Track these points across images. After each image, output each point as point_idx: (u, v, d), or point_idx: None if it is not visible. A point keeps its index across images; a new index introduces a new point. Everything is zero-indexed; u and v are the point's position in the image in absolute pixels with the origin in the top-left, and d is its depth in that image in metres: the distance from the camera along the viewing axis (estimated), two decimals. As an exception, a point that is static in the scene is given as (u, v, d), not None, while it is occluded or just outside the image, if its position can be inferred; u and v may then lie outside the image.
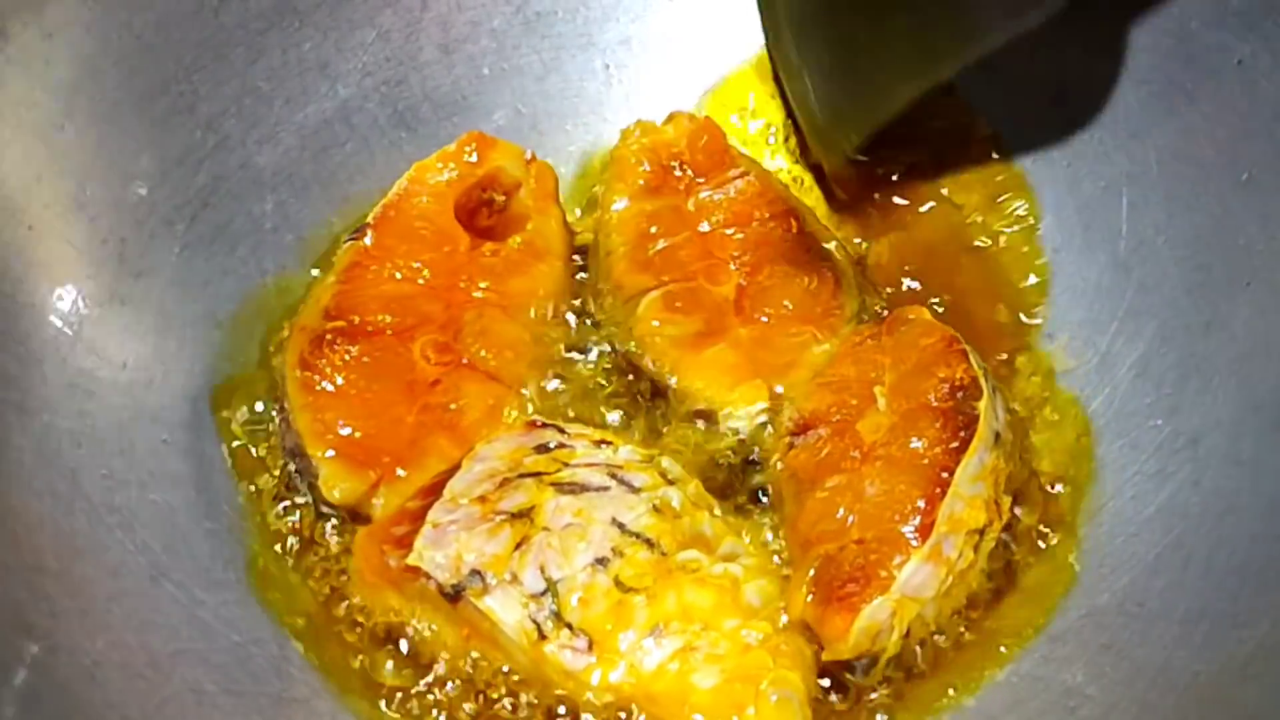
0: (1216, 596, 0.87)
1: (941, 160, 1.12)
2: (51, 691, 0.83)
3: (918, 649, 0.90)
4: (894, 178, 1.12)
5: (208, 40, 1.05)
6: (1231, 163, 0.97)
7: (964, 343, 0.95)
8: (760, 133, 1.17)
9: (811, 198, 1.14)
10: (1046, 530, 0.95)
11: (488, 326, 1.01)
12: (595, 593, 0.86)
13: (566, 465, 0.92)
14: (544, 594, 0.86)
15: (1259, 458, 0.90)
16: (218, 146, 1.06)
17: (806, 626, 0.88)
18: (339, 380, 0.97)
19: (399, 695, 0.90)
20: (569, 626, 0.85)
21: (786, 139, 1.16)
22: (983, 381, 0.92)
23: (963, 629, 0.91)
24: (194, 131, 1.05)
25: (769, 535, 0.95)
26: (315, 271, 1.07)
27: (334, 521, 0.97)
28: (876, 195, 1.11)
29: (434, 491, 0.91)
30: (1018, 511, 0.94)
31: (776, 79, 1.14)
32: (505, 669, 0.89)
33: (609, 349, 1.04)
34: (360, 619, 0.93)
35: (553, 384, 1.03)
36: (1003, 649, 0.91)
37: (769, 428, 0.99)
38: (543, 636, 0.85)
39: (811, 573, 0.88)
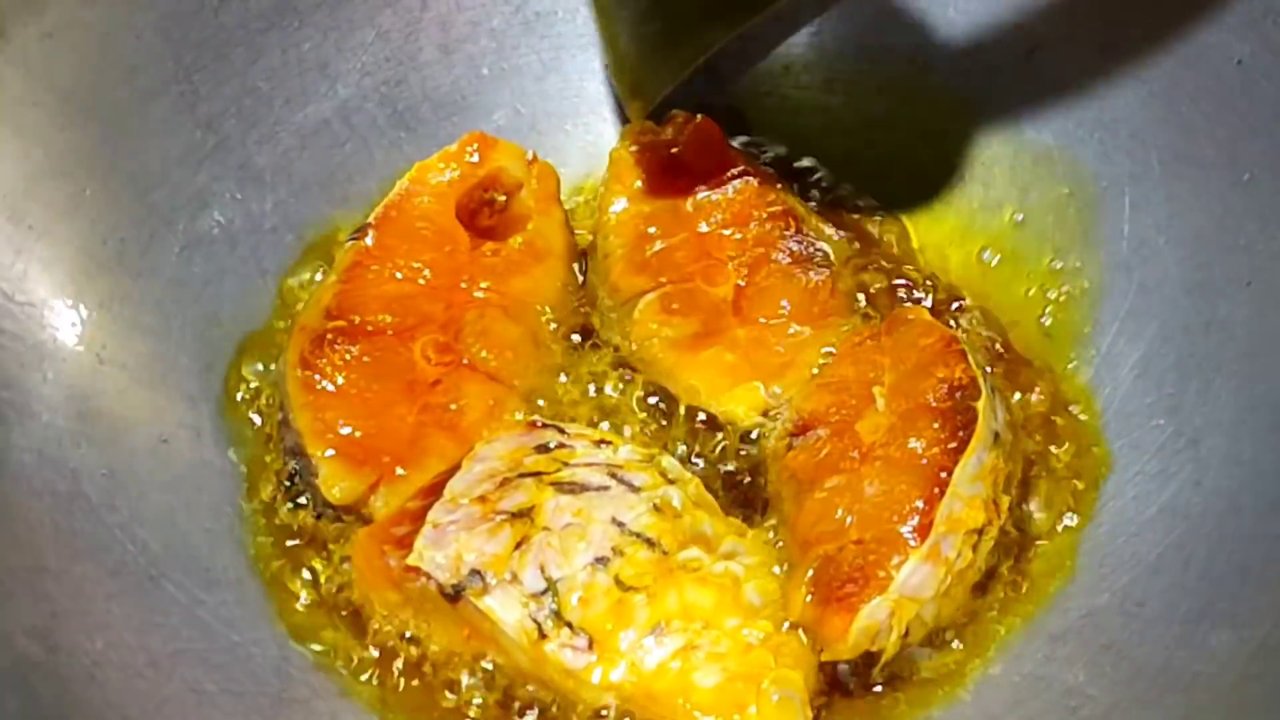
0: (1217, 596, 0.87)
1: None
2: (51, 691, 0.83)
3: (916, 649, 0.90)
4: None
5: (208, 40, 1.05)
6: (1232, 163, 0.97)
7: (962, 342, 0.95)
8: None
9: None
10: (1047, 529, 0.96)
11: (488, 327, 1.01)
12: (595, 592, 0.86)
13: (566, 465, 0.92)
14: (544, 593, 0.86)
15: (1260, 458, 0.90)
16: (218, 146, 1.06)
17: (805, 627, 0.88)
18: (339, 380, 0.97)
19: (399, 696, 0.91)
20: (569, 626, 0.85)
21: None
22: (981, 381, 0.92)
23: (962, 628, 0.91)
24: (194, 131, 1.05)
25: (769, 535, 0.95)
26: (316, 271, 1.07)
27: (334, 521, 0.97)
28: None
29: (434, 491, 0.91)
30: (1031, 508, 0.94)
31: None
32: (506, 669, 0.89)
33: (609, 350, 1.04)
34: (361, 619, 0.93)
35: (553, 384, 1.03)
36: (1002, 649, 0.91)
37: (768, 428, 0.99)
38: (543, 636, 0.85)
39: (810, 573, 0.88)
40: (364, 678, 0.92)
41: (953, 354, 0.94)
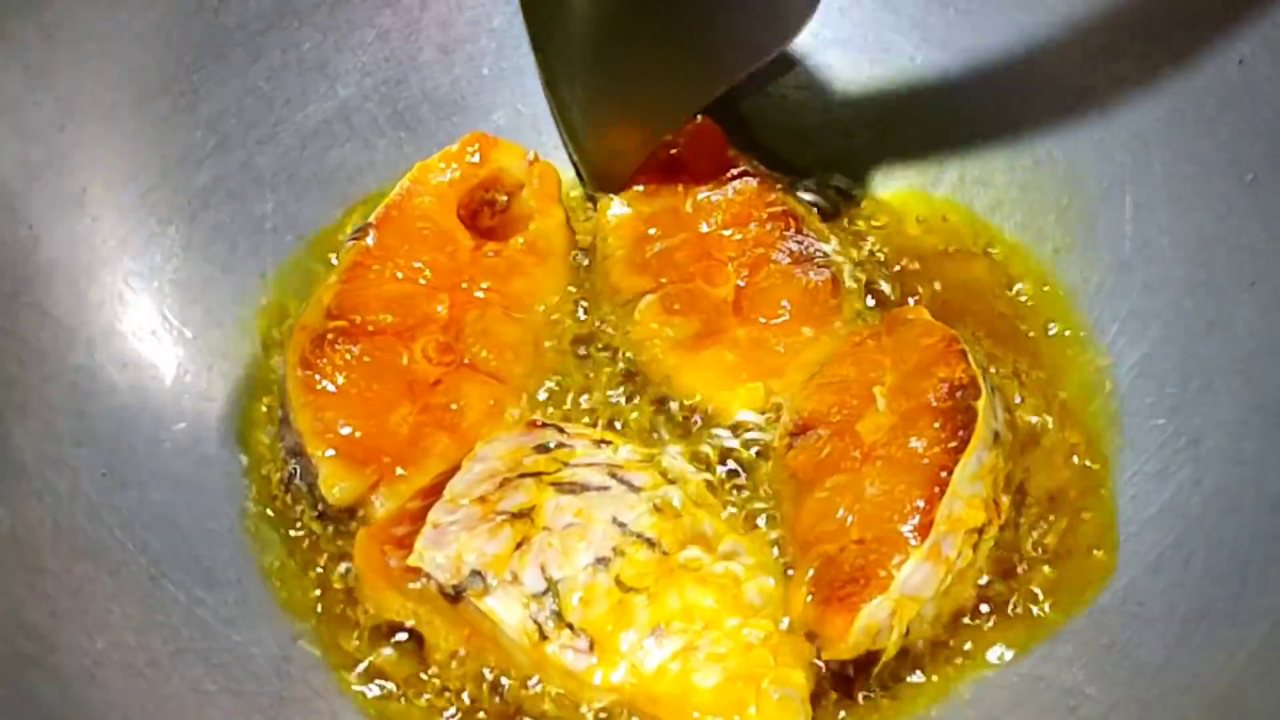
0: (1217, 596, 0.87)
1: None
2: (51, 691, 0.83)
3: (918, 647, 0.90)
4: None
5: (208, 40, 1.05)
6: (1234, 163, 0.97)
7: (963, 342, 0.95)
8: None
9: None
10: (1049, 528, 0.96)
11: (489, 327, 1.02)
12: (596, 592, 0.86)
13: (566, 465, 0.92)
14: (545, 594, 0.86)
15: (1261, 458, 0.90)
16: (218, 146, 1.06)
17: (806, 627, 0.88)
18: (339, 380, 0.97)
19: (400, 695, 0.90)
20: (570, 626, 0.85)
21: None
22: (981, 381, 0.92)
23: (963, 627, 0.91)
24: (194, 131, 1.05)
25: (769, 535, 0.95)
26: (316, 271, 1.07)
27: (334, 521, 0.97)
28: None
29: (434, 492, 0.91)
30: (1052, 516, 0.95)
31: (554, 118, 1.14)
32: (507, 669, 0.89)
33: (610, 350, 1.04)
34: (361, 619, 0.93)
35: (553, 384, 1.03)
36: (1002, 649, 0.91)
37: (768, 428, 0.99)
38: (544, 637, 0.85)
39: (811, 573, 0.88)
40: (364, 678, 0.91)
41: (953, 354, 0.94)
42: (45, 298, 0.97)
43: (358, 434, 0.96)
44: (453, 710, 0.89)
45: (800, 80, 1.16)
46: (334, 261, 1.06)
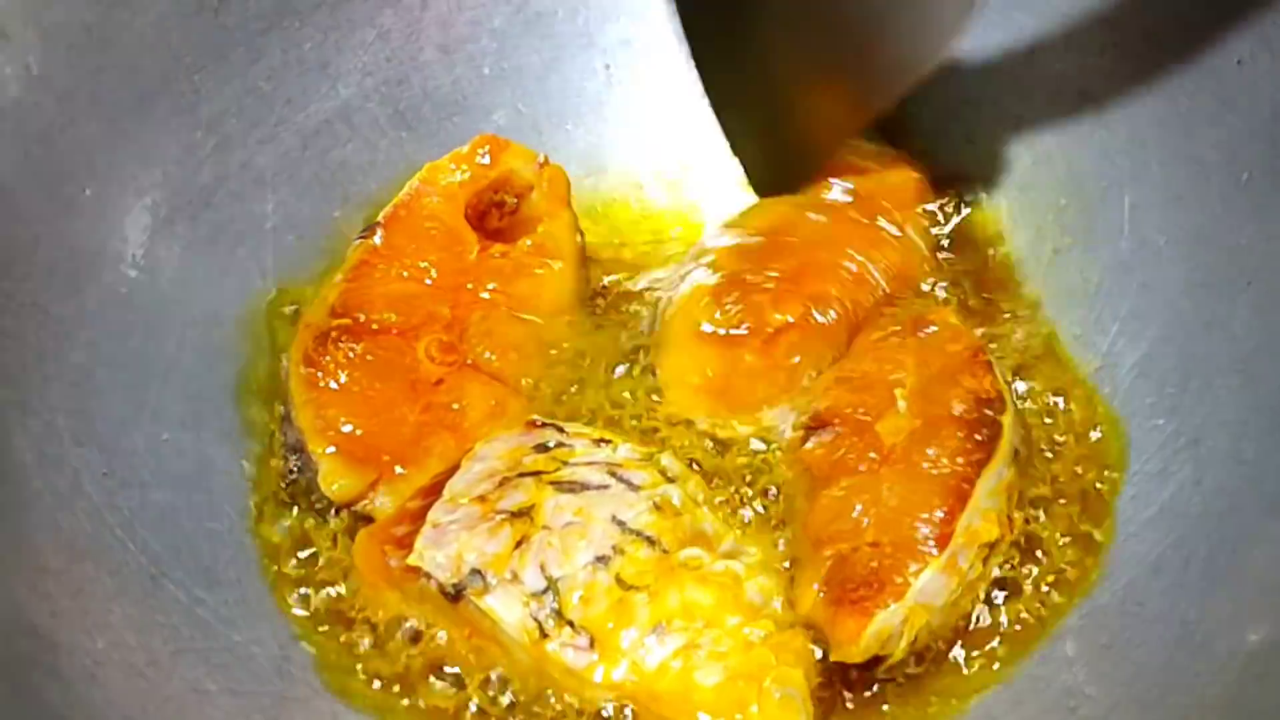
0: (1217, 596, 0.87)
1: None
2: (52, 691, 0.83)
3: (920, 649, 0.90)
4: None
5: (208, 40, 1.05)
6: (1232, 163, 0.97)
7: (989, 353, 0.95)
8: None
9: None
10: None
11: (493, 328, 1.02)
12: (596, 591, 0.86)
13: (566, 464, 0.92)
14: (545, 592, 0.86)
15: (1260, 458, 0.90)
16: (218, 146, 1.06)
17: (814, 625, 0.88)
18: (342, 377, 0.97)
19: (400, 695, 0.90)
20: (570, 625, 0.85)
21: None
22: (1007, 396, 0.92)
23: (963, 627, 0.91)
24: (194, 131, 1.05)
25: (772, 532, 0.95)
26: (316, 271, 1.07)
27: (335, 520, 0.97)
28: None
29: (434, 491, 0.91)
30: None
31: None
32: (507, 668, 0.89)
33: (612, 355, 1.04)
34: (362, 618, 0.93)
35: (556, 386, 1.03)
36: (1002, 649, 0.91)
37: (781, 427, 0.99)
38: (544, 635, 0.85)
39: (823, 571, 0.88)
40: (365, 677, 0.91)
41: (979, 365, 0.93)
42: (45, 298, 0.96)
43: (359, 432, 0.96)
44: (452, 710, 0.90)
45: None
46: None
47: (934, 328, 0.98)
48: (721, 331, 1.02)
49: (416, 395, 0.98)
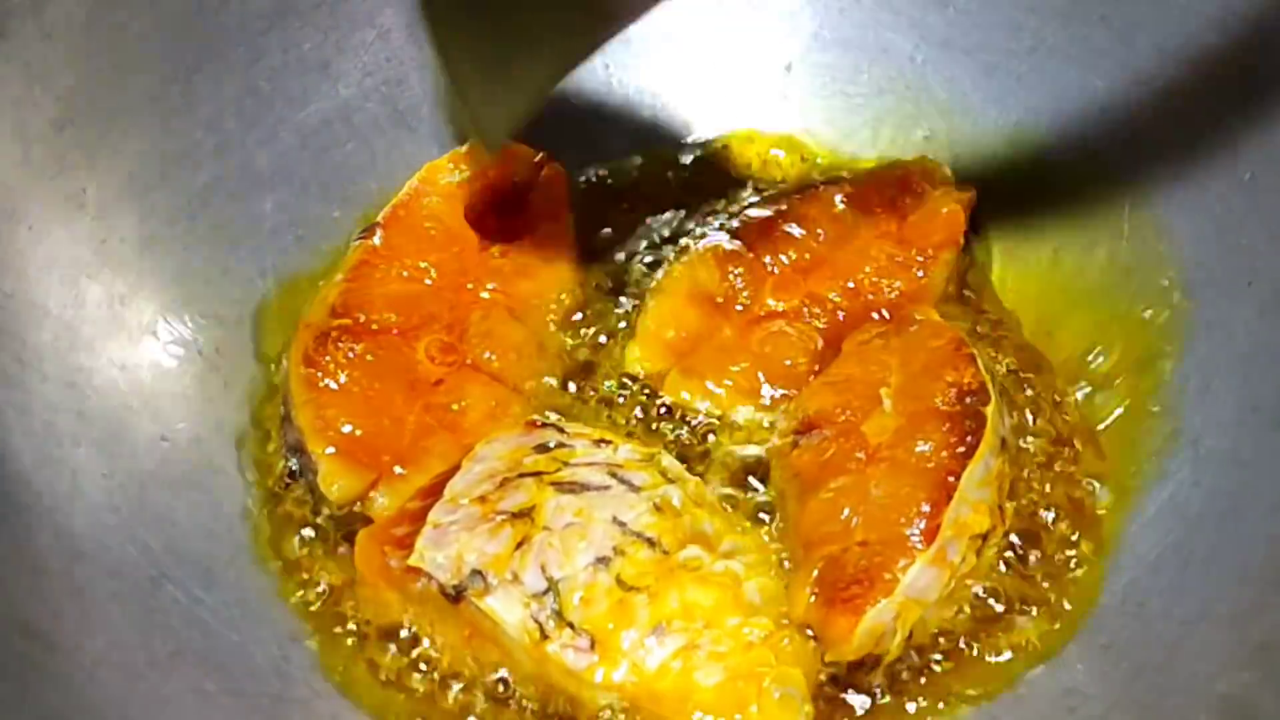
0: (1216, 596, 0.87)
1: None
2: (52, 691, 0.83)
3: (919, 648, 0.90)
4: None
5: (208, 40, 1.05)
6: (1232, 163, 0.97)
7: (971, 346, 0.95)
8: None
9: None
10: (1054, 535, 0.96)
11: (493, 328, 1.02)
12: (597, 592, 0.86)
13: (566, 464, 0.92)
14: (545, 593, 0.86)
15: (1259, 458, 0.90)
16: (218, 146, 1.06)
17: (810, 627, 0.88)
18: (342, 378, 0.97)
19: (401, 695, 0.90)
20: (571, 626, 0.85)
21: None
22: (990, 386, 0.92)
23: (963, 628, 0.91)
24: (194, 131, 1.05)
25: (770, 532, 0.95)
26: (316, 271, 1.07)
27: (333, 519, 0.97)
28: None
29: (434, 492, 0.92)
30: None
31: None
32: (507, 669, 0.89)
33: (613, 355, 1.05)
34: (362, 619, 0.93)
35: (554, 386, 1.03)
36: (1002, 649, 0.91)
37: (772, 427, 0.99)
38: (545, 636, 0.85)
39: (815, 573, 0.88)
40: (365, 677, 0.91)
41: (962, 357, 0.94)
42: (45, 298, 0.96)
43: (358, 432, 0.96)
44: (453, 710, 0.90)
45: (801, 80, 1.17)
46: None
47: (916, 326, 0.98)
48: (715, 298, 1.03)
49: (416, 395, 0.98)
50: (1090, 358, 1.02)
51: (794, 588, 0.89)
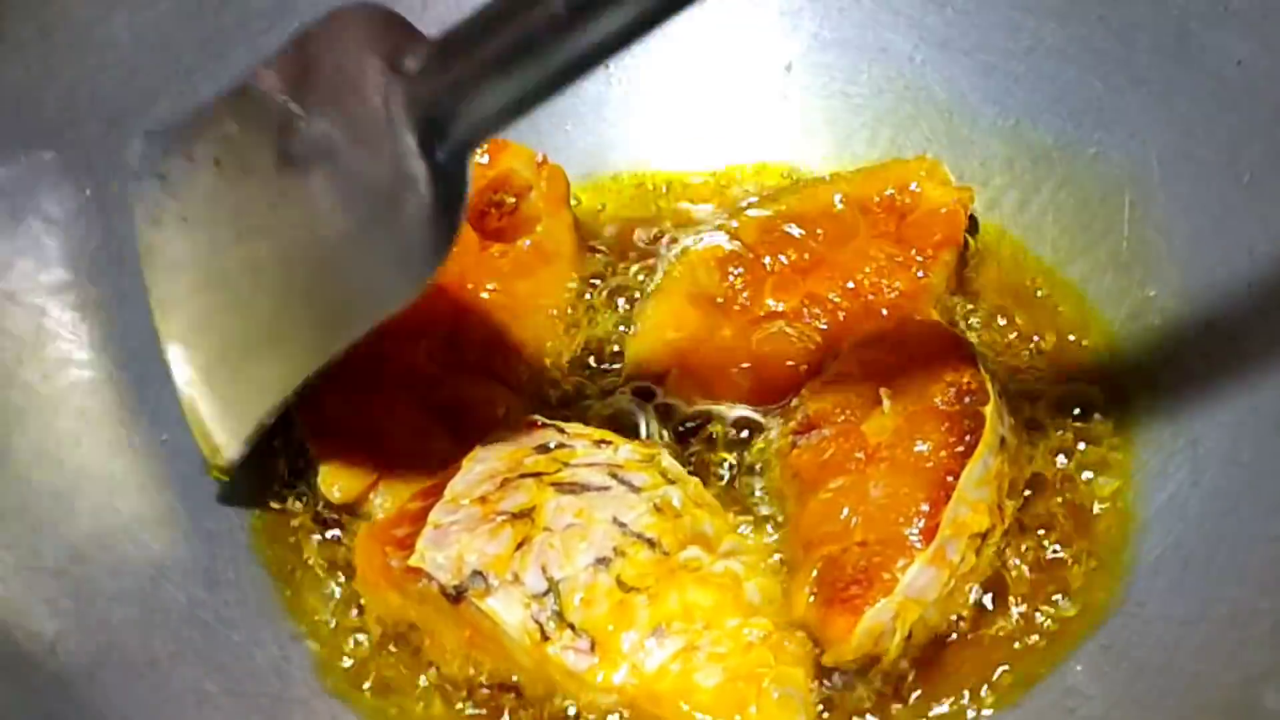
0: (1216, 597, 0.87)
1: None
2: (52, 691, 0.83)
3: (918, 649, 0.90)
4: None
5: (208, 40, 1.05)
6: (1232, 163, 0.97)
7: (971, 347, 0.95)
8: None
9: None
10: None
11: (493, 328, 1.01)
12: (597, 593, 0.86)
13: (567, 465, 0.92)
14: (546, 594, 0.86)
15: (1259, 459, 0.90)
16: (218, 146, 1.06)
17: (808, 628, 0.88)
18: (341, 379, 0.97)
19: (401, 695, 0.90)
20: (571, 627, 0.85)
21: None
22: (989, 386, 0.92)
23: (964, 633, 0.91)
24: (194, 131, 1.05)
25: (770, 532, 0.95)
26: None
27: (334, 520, 0.97)
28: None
29: (435, 493, 0.91)
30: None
31: None
32: (507, 670, 0.89)
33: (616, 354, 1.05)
34: (361, 619, 0.93)
35: (555, 386, 1.03)
36: (1001, 649, 0.91)
37: (771, 426, 0.99)
38: (545, 637, 0.85)
39: (814, 574, 0.88)
40: (365, 678, 0.91)
41: (961, 357, 0.94)
42: (45, 298, 0.96)
43: (358, 434, 0.96)
44: (453, 710, 0.89)
45: (801, 80, 1.17)
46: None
47: (917, 328, 0.98)
48: (714, 299, 1.03)
49: (416, 396, 0.98)
50: (1090, 358, 1.02)
51: (793, 588, 0.89)
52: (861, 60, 1.15)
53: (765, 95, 1.17)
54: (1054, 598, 0.92)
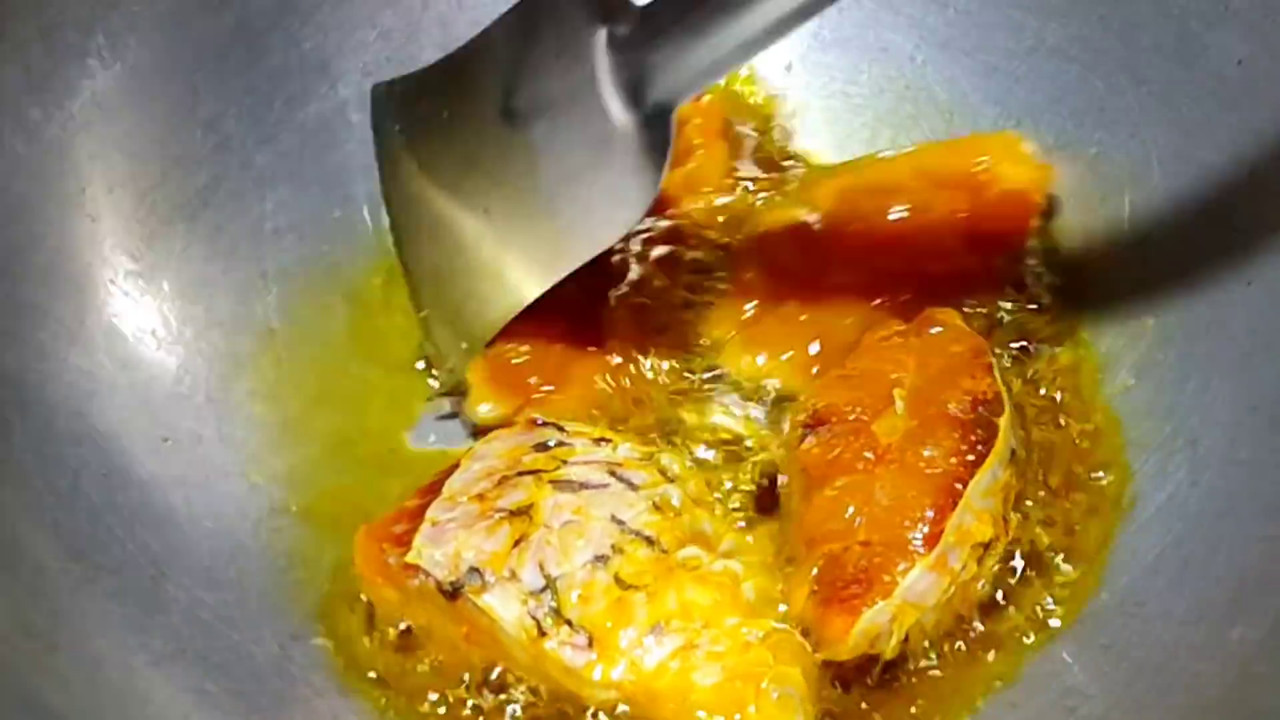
0: (1216, 596, 0.87)
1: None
2: (51, 691, 0.83)
3: (917, 649, 0.90)
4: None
5: (208, 40, 1.05)
6: (1232, 163, 0.97)
7: (990, 354, 0.95)
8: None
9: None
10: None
11: (639, 252, 1.05)
12: (595, 590, 0.86)
13: (565, 463, 0.92)
14: (543, 591, 0.86)
15: (1258, 458, 0.90)
16: (218, 146, 1.06)
17: (805, 624, 0.88)
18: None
19: (400, 695, 0.91)
20: (569, 623, 0.85)
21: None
22: (1005, 397, 0.92)
23: (962, 637, 0.91)
24: (194, 131, 1.05)
25: (770, 531, 0.95)
26: (316, 271, 1.07)
27: (335, 520, 0.97)
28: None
29: (433, 490, 0.92)
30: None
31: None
32: (505, 667, 0.89)
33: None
34: (361, 618, 0.93)
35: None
36: (1001, 650, 0.91)
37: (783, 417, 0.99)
38: (542, 633, 0.85)
39: (815, 570, 0.88)
40: (365, 677, 0.91)
41: (980, 366, 0.93)
42: (45, 298, 0.97)
43: (511, 357, 1.00)
44: (452, 709, 0.90)
45: (801, 80, 1.17)
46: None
47: (939, 329, 0.97)
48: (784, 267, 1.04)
49: (566, 320, 1.02)
50: (1089, 357, 1.02)
51: (793, 583, 0.89)
52: (862, 60, 1.15)
53: (767, 94, 1.18)
54: (1054, 598, 0.92)
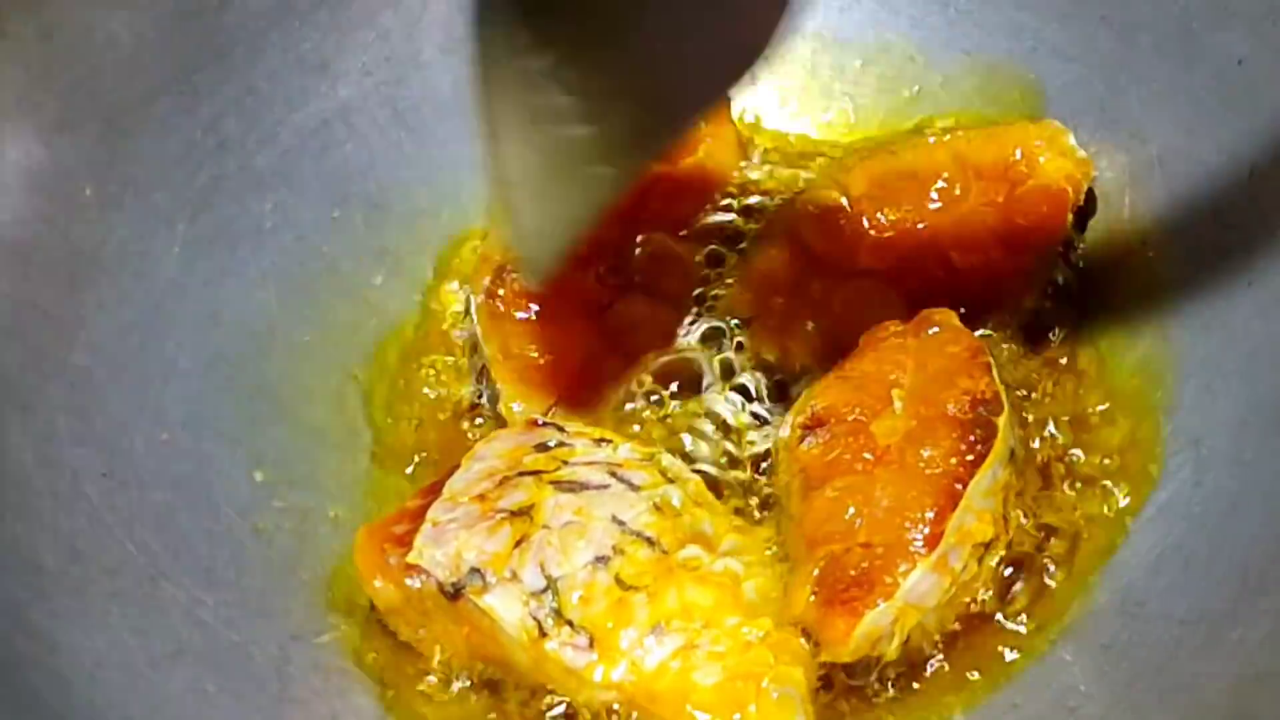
0: (1217, 597, 0.86)
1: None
2: (51, 691, 0.83)
3: (917, 650, 0.90)
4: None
5: (208, 40, 1.05)
6: (1232, 163, 0.97)
7: (988, 354, 0.95)
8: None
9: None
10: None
11: (657, 248, 1.04)
12: (596, 590, 0.86)
13: (566, 463, 0.92)
14: (544, 591, 0.86)
15: (1260, 458, 0.90)
16: (218, 146, 1.06)
17: (806, 626, 0.88)
18: (520, 306, 1.01)
19: (400, 695, 0.91)
20: (570, 624, 0.85)
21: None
22: (1004, 397, 0.92)
23: (962, 636, 0.91)
24: (194, 131, 1.05)
25: (770, 531, 0.95)
26: (316, 271, 1.07)
27: (335, 519, 0.97)
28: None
29: (434, 490, 0.92)
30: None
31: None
32: (506, 668, 0.89)
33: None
34: (361, 618, 0.93)
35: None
36: (1001, 650, 0.91)
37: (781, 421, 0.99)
38: (543, 634, 0.85)
39: (816, 572, 0.88)
40: (365, 677, 0.92)
41: (978, 365, 0.93)
42: (45, 298, 0.96)
43: (538, 357, 1.00)
44: (452, 709, 0.90)
45: (801, 80, 1.17)
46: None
47: (936, 329, 0.97)
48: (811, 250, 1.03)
49: (588, 319, 1.02)
50: (1089, 357, 1.02)
51: (794, 585, 0.89)
52: (862, 60, 1.15)
53: (765, 95, 1.18)
54: (1054, 596, 0.92)
